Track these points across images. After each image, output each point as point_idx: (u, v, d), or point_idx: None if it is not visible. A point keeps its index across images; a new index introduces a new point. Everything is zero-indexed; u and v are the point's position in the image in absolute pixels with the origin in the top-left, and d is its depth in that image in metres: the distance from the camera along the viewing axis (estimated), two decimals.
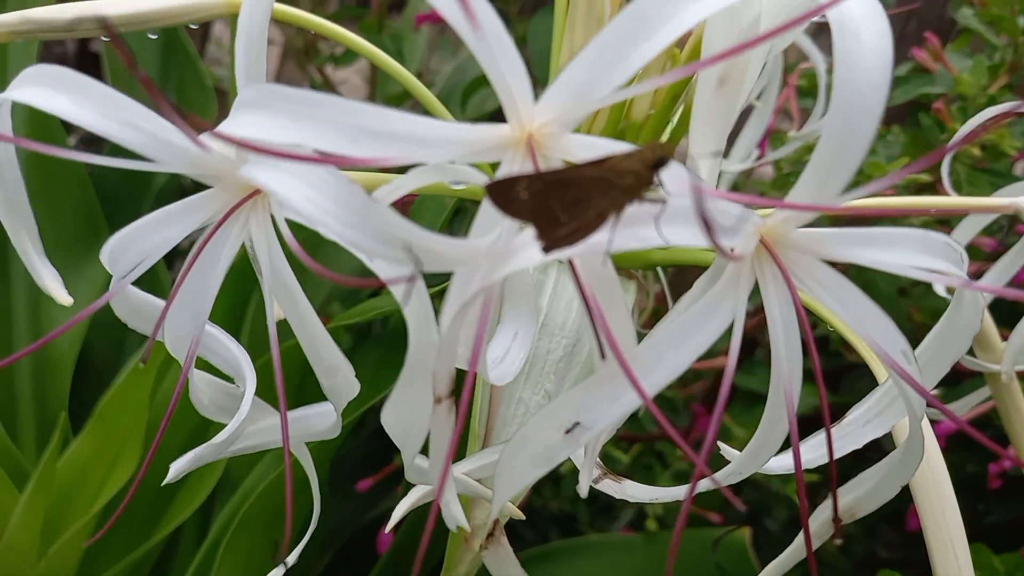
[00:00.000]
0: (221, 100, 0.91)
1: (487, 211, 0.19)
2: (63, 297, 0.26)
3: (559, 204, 0.16)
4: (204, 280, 0.21)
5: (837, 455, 0.23)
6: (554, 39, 0.38)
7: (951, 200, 0.42)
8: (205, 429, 0.73)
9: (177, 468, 0.25)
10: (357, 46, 0.35)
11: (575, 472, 0.78)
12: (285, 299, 0.21)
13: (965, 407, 0.42)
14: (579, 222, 0.16)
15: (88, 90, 0.20)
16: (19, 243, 0.25)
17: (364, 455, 0.92)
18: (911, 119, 0.62)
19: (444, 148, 0.19)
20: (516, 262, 0.18)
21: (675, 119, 0.36)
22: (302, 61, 0.80)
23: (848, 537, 0.98)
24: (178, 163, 0.20)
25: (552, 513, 0.90)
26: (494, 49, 0.18)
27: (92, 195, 0.76)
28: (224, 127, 0.18)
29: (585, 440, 0.19)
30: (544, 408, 0.19)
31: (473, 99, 0.84)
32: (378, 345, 0.52)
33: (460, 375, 0.20)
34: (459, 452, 0.27)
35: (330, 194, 0.17)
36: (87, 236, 0.72)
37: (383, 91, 0.81)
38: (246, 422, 0.24)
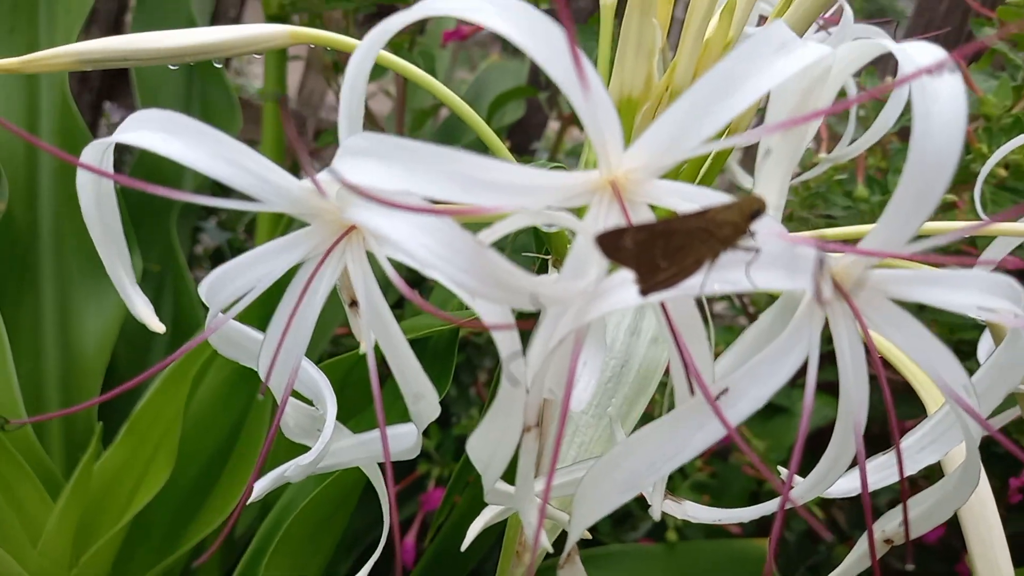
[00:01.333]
0: (244, 111, 0.92)
1: (578, 255, 0.20)
2: (156, 325, 0.27)
3: (661, 252, 0.18)
4: (303, 314, 0.22)
5: (888, 481, 0.25)
6: (598, 66, 0.39)
7: (982, 225, 0.43)
8: (232, 441, 0.74)
9: (261, 487, 0.27)
10: (392, 64, 0.36)
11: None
12: (380, 330, 0.22)
13: (996, 424, 0.43)
14: (678, 268, 0.18)
15: (198, 133, 0.21)
16: (114, 273, 0.26)
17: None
18: None
19: (541, 195, 0.20)
20: (612, 303, 0.19)
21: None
22: (329, 75, 0.82)
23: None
24: (282, 202, 0.21)
25: None
26: (597, 107, 0.19)
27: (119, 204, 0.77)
28: (336, 171, 0.19)
29: (670, 469, 0.20)
30: (633, 436, 0.20)
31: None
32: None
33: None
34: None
35: (443, 239, 0.18)
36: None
37: (411, 106, 0.83)
38: (330, 443, 0.25)
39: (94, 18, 1.11)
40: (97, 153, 0.24)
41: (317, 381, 0.26)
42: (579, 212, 0.21)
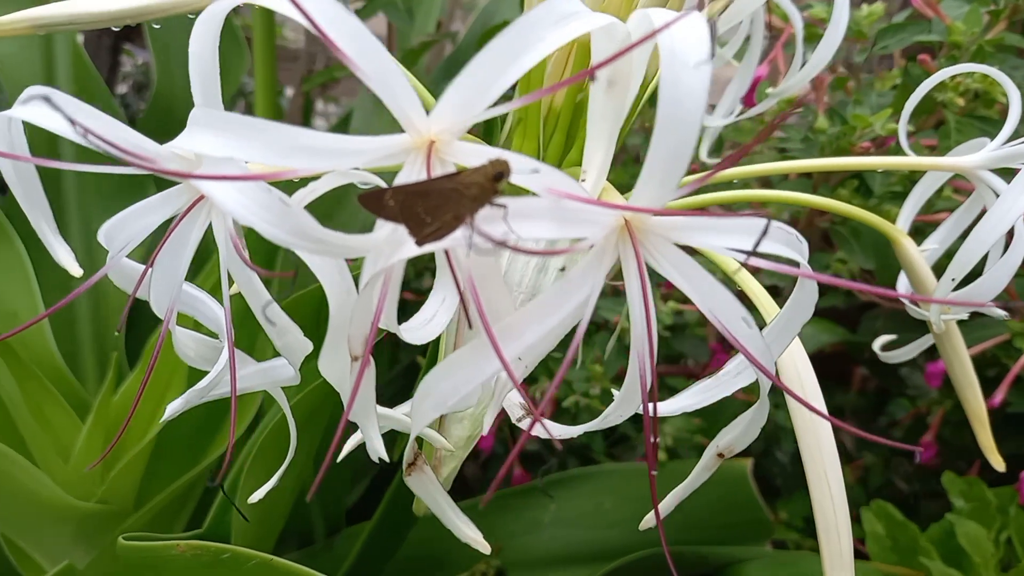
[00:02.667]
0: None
1: None
2: (75, 269, 0.31)
3: (423, 209, 0.21)
4: (177, 256, 0.26)
5: (712, 400, 0.28)
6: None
7: (893, 160, 0.44)
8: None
9: (172, 408, 0.31)
10: None
11: (590, 410, 0.82)
12: (239, 274, 0.26)
13: (910, 352, 0.45)
14: (440, 222, 0.21)
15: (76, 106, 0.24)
16: (38, 226, 0.30)
17: (398, 389, 0.99)
18: (905, 69, 0.63)
19: (355, 156, 0.23)
20: (404, 252, 0.22)
21: None
22: None
23: (866, 469, 1.02)
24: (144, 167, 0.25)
25: (571, 444, 0.95)
26: (387, 79, 0.22)
27: None
28: (179, 141, 0.23)
29: (468, 391, 0.23)
30: (440, 365, 0.24)
31: None
32: None
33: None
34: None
35: (257, 199, 0.21)
36: (131, 191, 0.78)
37: (402, 46, 0.84)
38: (223, 371, 0.29)
39: None
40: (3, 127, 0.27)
41: (219, 316, 0.30)
42: None
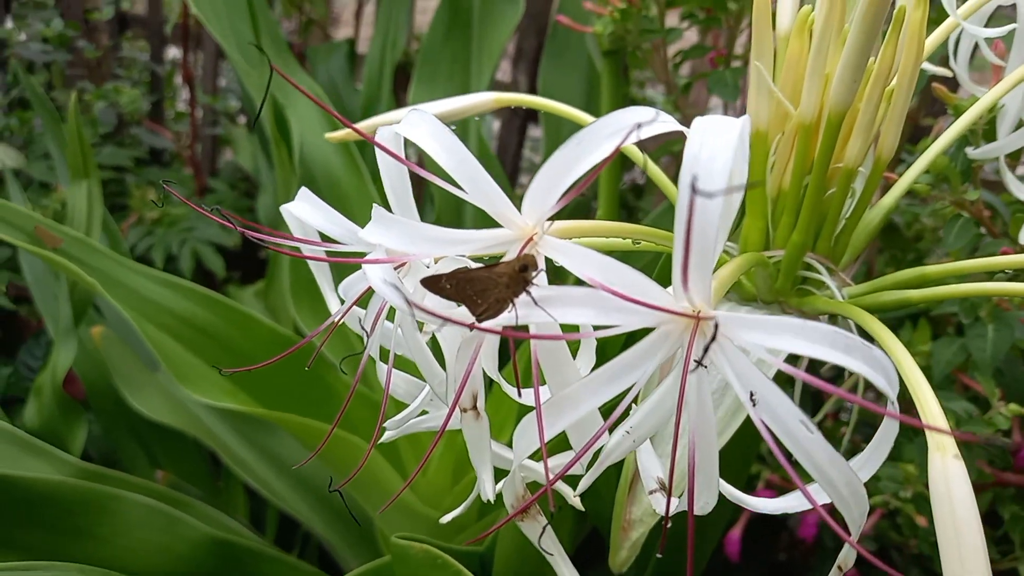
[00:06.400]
0: None
1: None
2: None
3: (472, 292, 0.25)
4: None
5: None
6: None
7: None
8: None
9: (388, 436, 0.39)
10: None
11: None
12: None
13: None
14: (486, 304, 0.24)
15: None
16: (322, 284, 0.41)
17: None
18: None
19: (466, 245, 0.28)
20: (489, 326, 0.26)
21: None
22: None
23: None
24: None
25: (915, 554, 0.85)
26: (490, 197, 0.26)
27: None
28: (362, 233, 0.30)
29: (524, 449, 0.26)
30: (521, 423, 0.27)
31: None
32: None
33: None
34: None
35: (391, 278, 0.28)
36: None
37: None
38: (417, 408, 0.36)
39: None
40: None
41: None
42: None
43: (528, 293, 0.24)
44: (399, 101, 1.25)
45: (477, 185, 0.27)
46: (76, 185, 0.97)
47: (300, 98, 0.95)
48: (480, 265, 0.25)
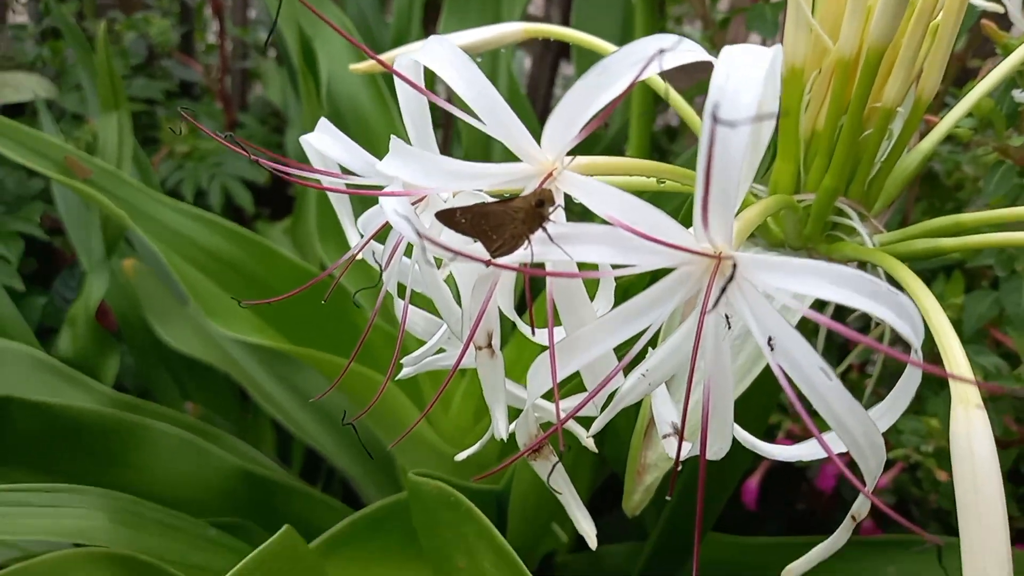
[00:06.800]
0: None
1: None
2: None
3: (488, 227, 0.24)
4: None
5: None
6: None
7: None
8: None
9: (404, 373, 0.39)
10: None
11: None
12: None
13: None
14: (502, 240, 0.24)
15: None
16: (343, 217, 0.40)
17: None
18: None
19: (484, 180, 0.27)
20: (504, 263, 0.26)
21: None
22: None
23: None
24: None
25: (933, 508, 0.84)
26: (509, 129, 0.25)
27: None
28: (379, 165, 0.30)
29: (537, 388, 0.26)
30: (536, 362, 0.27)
31: None
32: None
33: None
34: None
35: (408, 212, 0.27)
36: None
37: None
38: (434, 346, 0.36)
39: None
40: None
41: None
42: None
43: (544, 230, 0.23)
44: (429, 34, 1.22)
45: (496, 116, 0.26)
46: (107, 117, 0.97)
47: (328, 31, 0.94)
48: (496, 200, 0.25)
